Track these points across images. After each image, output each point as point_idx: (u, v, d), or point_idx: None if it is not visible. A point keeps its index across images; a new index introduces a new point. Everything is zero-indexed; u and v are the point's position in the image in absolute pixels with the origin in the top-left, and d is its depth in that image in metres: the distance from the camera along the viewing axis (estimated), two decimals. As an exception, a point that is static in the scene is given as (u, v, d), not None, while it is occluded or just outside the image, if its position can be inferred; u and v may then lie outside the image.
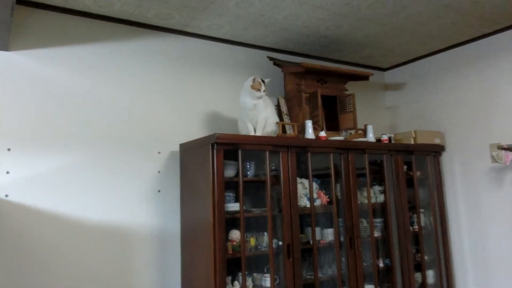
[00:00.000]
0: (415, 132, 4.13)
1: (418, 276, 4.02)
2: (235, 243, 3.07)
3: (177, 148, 3.46)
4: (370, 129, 3.83)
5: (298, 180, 3.43)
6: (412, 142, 4.10)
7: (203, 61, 3.72)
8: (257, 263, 3.33)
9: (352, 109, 3.82)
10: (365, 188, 3.74)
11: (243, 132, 3.37)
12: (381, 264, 3.81)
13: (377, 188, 3.94)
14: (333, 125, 3.92)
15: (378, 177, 4.01)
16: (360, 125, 3.98)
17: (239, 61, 3.93)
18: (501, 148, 3.74)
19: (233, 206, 3.12)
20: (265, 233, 3.21)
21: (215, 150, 2.95)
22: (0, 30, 2.59)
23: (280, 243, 3.21)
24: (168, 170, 3.42)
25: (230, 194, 3.22)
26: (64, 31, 3.14)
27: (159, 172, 3.37)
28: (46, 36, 3.07)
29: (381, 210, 3.95)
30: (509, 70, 3.86)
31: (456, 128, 4.26)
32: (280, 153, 3.24)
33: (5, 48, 2.88)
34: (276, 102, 3.77)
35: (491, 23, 3.77)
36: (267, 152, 3.17)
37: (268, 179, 3.16)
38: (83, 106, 3.13)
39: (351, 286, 3.48)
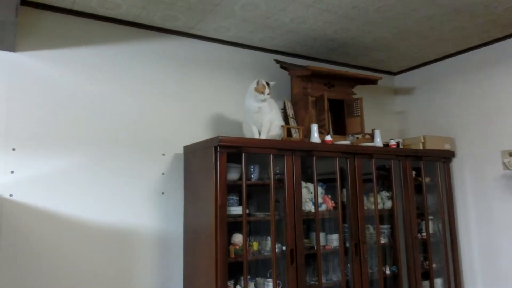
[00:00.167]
0: (424, 137, 4.07)
1: (426, 284, 3.94)
2: (237, 247, 3.04)
3: (181, 150, 3.46)
4: (377, 133, 3.78)
5: (303, 184, 3.40)
6: (421, 148, 4.04)
7: (209, 63, 3.72)
8: (260, 267, 3.30)
9: (359, 113, 3.78)
10: (372, 194, 3.69)
11: (248, 135, 3.35)
12: (387, 271, 3.75)
13: (384, 194, 3.88)
14: (340, 129, 3.88)
15: (386, 183, 3.95)
16: (368, 130, 3.93)
17: (246, 64, 3.91)
18: (513, 154, 3.67)
19: (236, 210, 3.10)
20: (269, 237, 3.18)
21: (218, 153, 2.93)
22: (5, 31, 2.61)
23: (284, 247, 3.18)
24: (172, 172, 3.41)
25: (233, 197, 3.19)
26: (70, 33, 3.15)
27: (163, 174, 3.37)
28: (52, 38, 3.09)
29: (388, 216, 3.88)
30: (521, 75, 3.79)
31: (467, 134, 4.18)
32: (285, 156, 3.21)
33: (12, 49, 2.90)
34: (283, 105, 3.74)
35: (503, 27, 3.70)
36: (271, 156, 3.15)
37: (272, 183, 3.14)
38: (88, 107, 3.14)
39: (355, 292, 3.43)
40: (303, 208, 3.31)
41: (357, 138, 3.82)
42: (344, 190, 3.58)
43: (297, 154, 3.26)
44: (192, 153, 3.29)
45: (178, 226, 3.37)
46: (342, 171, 3.54)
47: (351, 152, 3.54)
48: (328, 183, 3.59)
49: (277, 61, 3.84)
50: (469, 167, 4.15)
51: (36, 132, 2.94)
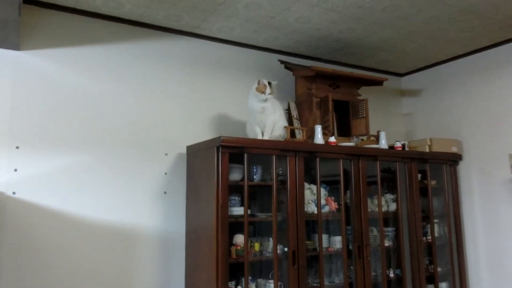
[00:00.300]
0: (430, 139, 4.02)
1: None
2: (239, 247, 3.03)
3: (184, 150, 3.45)
4: (383, 135, 3.74)
5: (307, 185, 3.38)
6: (427, 150, 3.99)
7: (213, 63, 3.70)
8: (262, 268, 3.29)
9: (364, 115, 3.74)
10: (377, 196, 3.65)
11: (251, 135, 3.34)
12: (391, 274, 3.71)
13: (389, 196, 3.84)
14: (345, 131, 3.85)
15: (391, 185, 3.91)
16: (374, 132, 3.89)
17: (250, 64, 3.89)
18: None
19: (238, 210, 3.08)
20: (270, 238, 3.15)
21: (220, 153, 2.92)
22: (9, 29, 2.62)
23: (286, 249, 3.16)
24: (175, 172, 3.40)
25: (235, 198, 3.17)
26: (74, 32, 3.16)
27: (165, 174, 3.36)
28: (56, 37, 3.09)
29: (393, 219, 3.84)
30: (530, 77, 3.73)
31: (475, 137, 4.12)
32: (288, 157, 3.19)
33: (16, 47, 2.91)
34: (287, 106, 3.72)
35: (512, 28, 3.65)
36: (274, 157, 3.13)
37: (274, 184, 3.11)
38: (91, 106, 3.14)
39: (358, 295, 3.40)
40: (306, 210, 3.29)
41: (362, 139, 3.79)
42: (348, 192, 3.55)
43: (300, 155, 3.23)
44: (194, 153, 3.29)
45: (180, 226, 3.36)
46: (346, 173, 3.51)
47: (355, 154, 3.51)
48: (332, 184, 3.56)
49: (282, 62, 3.82)
50: (476, 170, 4.09)
51: (39, 131, 2.95)
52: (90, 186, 3.07)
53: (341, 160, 3.45)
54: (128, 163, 3.22)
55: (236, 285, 3.11)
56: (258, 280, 3.20)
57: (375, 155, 3.60)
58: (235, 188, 3.13)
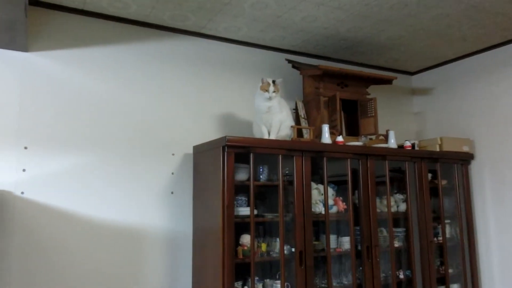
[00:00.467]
0: (441, 139, 3.96)
1: (441, 289, 3.85)
2: (245, 247, 3.02)
3: (191, 150, 3.45)
4: (391, 134, 3.69)
5: (314, 185, 3.35)
6: (438, 149, 3.93)
7: (220, 63, 3.70)
8: (269, 269, 3.27)
9: (373, 114, 3.70)
10: (386, 196, 3.61)
11: (257, 135, 3.32)
12: (401, 276, 3.66)
13: (398, 196, 3.80)
14: (353, 130, 3.81)
15: (400, 185, 3.87)
16: (384, 131, 3.85)
17: (257, 63, 3.88)
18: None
19: (245, 210, 3.07)
20: (277, 238, 3.14)
21: (226, 153, 2.91)
22: (16, 31, 2.64)
23: (293, 249, 3.13)
24: (182, 172, 3.40)
25: (242, 198, 3.17)
26: (81, 33, 3.18)
27: (172, 174, 3.37)
28: (63, 38, 3.12)
29: (403, 219, 3.80)
30: (543, 75, 3.66)
31: (487, 136, 4.06)
32: (294, 157, 3.16)
33: (24, 49, 2.94)
34: (294, 106, 3.70)
35: (524, 25, 3.58)
36: (280, 156, 3.11)
37: (281, 184, 3.10)
38: (98, 107, 3.16)
39: (366, 296, 3.36)
40: (313, 210, 3.26)
41: (371, 139, 3.75)
42: (356, 192, 3.51)
43: (307, 155, 3.21)
44: (200, 153, 3.28)
45: (187, 226, 3.36)
46: (355, 172, 3.48)
47: (363, 153, 3.47)
48: (340, 184, 3.53)
49: (289, 61, 3.80)
50: (488, 170, 4.02)
51: (47, 131, 2.97)
52: (97, 186, 3.08)
53: (348, 159, 3.42)
54: (135, 163, 3.23)
55: (243, 285, 3.10)
56: (265, 280, 3.19)
57: (383, 154, 3.55)
58: (241, 188, 3.12)
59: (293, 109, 3.68)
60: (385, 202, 3.62)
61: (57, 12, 3.11)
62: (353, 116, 3.84)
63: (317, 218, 3.30)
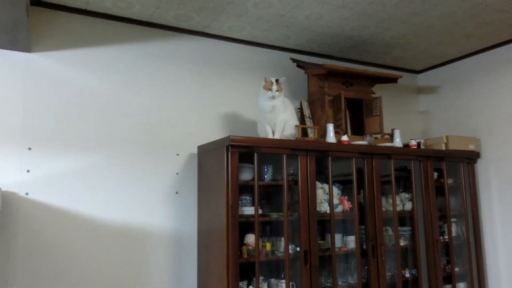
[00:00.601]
0: (446, 137, 3.93)
1: (448, 288, 3.83)
2: (250, 247, 3.01)
3: (195, 150, 3.45)
4: (397, 133, 3.67)
5: (319, 185, 3.34)
6: (443, 148, 3.91)
7: (224, 63, 3.69)
8: (274, 268, 3.27)
9: (378, 113, 3.68)
10: (391, 195, 3.59)
11: (262, 134, 3.31)
12: (407, 274, 3.64)
13: (404, 195, 3.77)
14: (359, 129, 3.79)
15: (407, 184, 3.84)
16: (389, 130, 3.83)
17: (262, 63, 3.87)
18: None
19: (249, 210, 3.07)
20: (282, 238, 3.13)
21: (230, 153, 2.91)
22: (19, 31, 2.65)
23: (298, 249, 3.13)
24: (186, 172, 3.40)
25: (246, 198, 3.16)
26: (84, 33, 3.18)
27: (177, 174, 3.36)
28: (67, 38, 3.12)
29: (409, 218, 3.78)
30: (550, 72, 3.62)
31: (493, 134, 4.02)
32: (299, 157, 3.15)
33: (27, 49, 2.95)
34: (299, 105, 3.68)
35: (531, 22, 3.55)
36: (284, 156, 3.10)
37: (285, 183, 3.09)
38: (102, 107, 3.16)
39: (372, 296, 3.35)
40: (319, 209, 3.25)
41: (376, 138, 3.73)
42: (362, 191, 3.50)
43: (311, 154, 3.20)
44: (205, 153, 3.28)
45: (192, 226, 3.36)
46: (360, 171, 3.46)
47: (368, 153, 3.45)
48: (345, 184, 3.51)
49: (293, 60, 3.78)
50: (494, 169, 3.99)
51: (51, 132, 2.98)
52: (101, 186, 3.09)
53: (353, 159, 3.40)
54: (140, 163, 3.23)
55: (248, 284, 3.10)
56: (270, 280, 3.18)
57: (388, 153, 3.53)
58: (246, 188, 3.12)
59: (298, 109, 3.66)
60: (391, 201, 3.60)
61: (60, 12, 3.11)
62: (358, 115, 3.82)
63: (322, 217, 3.29)
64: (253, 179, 3.05)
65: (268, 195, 3.40)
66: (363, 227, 3.44)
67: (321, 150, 3.24)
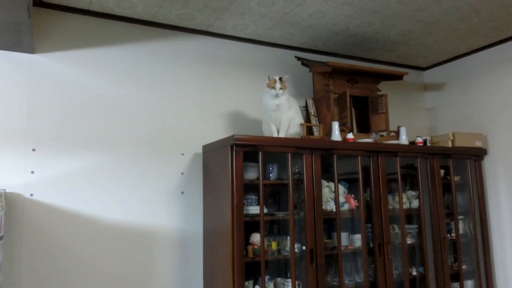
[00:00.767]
0: (453, 134, 3.90)
1: (455, 286, 3.79)
2: (256, 246, 3.00)
3: (200, 150, 3.44)
4: (403, 131, 3.65)
5: (325, 183, 3.32)
6: (450, 145, 3.87)
7: (229, 61, 3.68)
8: (280, 267, 3.25)
9: (384, 110, 3.66)
10: (398, 193, 3.56)
11: (266, 133, 3.30)
12: (414, 273, 3.62)
13: (411, 193, 3.75)
14: (364, 127, 3.77)
15: (413, 181, 3.82)
16: (395, 127, 3.80)
17: (267, 61, 3.85)
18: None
19: (255, 209, 3.06)
20: (288, 237, 3.11)
21: (234, 152, 2.89)
22: (21, 32, 2.64)
23: (304, 247, 3.11)
24: (192, 171, 3.39)
25: (252, 197, 3.15)
26: (87, 33, 3.18)
27: (182, 173, 3.35)
28: (70, 39, 3.12)
29: (416, 216, 3.75)
30: (558, 67, 3.58)
31: (500, 131, 3.99)
32: (304, 155, 3.13)
33: (31, 50, 2.95)
34: (304, 103, 3.66)
35: (538, 17, 3.50)
36: (289, 155, 3.08)
37: (290, 182, 3.07)
38: (106, 107, 3.16)
39: (379, 294, 3.33)
40: (325, 208, 3.23)
41: (382, 135, 3.70)
42: (368, 189, 3.47)
43: (316, 152, 3.18)
44: (210, 152, 3.27)
45: (198, 225, 3.35)
46: (366, 169, 3.44)
47: (374, 150, 3.43)
48: (351, 182, 3.49)
49: (298, 58, 3.76)
50: (501, 165, 3.95)
51: (55, 133, 2.98)
52: (106, 187, 3.08)
53: (359, 156, 3.38)
54: (144, 163, 3.23)
55: (254, 284, 3.09)
56: (276, 279, 3.17)
57: (394, 151, 3.51)
58: (251, 187, 3.11)
59: (303, 107, 3.65)
60: (397, 199, 3.58)
61: (63, 13, 3.11)
62: (364, 113, 3.80)
63: (329, 216, 3.27)
64: (258, 178, 3.03)
65: (274, 194, 3.39)
66: (369, 225, 3.42)
67: (326, 148, 3.22)
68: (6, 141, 2.84)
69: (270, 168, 3.19)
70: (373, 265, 3.39)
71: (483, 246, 3.94)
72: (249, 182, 3.04)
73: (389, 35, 3.77)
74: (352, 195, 3.44)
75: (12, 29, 2.57)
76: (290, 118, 3.24)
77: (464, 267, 3.85)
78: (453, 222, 3.86)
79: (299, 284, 3.07)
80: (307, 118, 3.60)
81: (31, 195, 2.86)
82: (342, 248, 3.25)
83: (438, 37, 3.86)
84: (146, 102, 3.30)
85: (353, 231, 3.47)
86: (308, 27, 3.55)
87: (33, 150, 2.90)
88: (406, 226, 3.63)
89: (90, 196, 3.03)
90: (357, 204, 3.41)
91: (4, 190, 2.69)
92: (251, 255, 2.97)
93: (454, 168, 3.88)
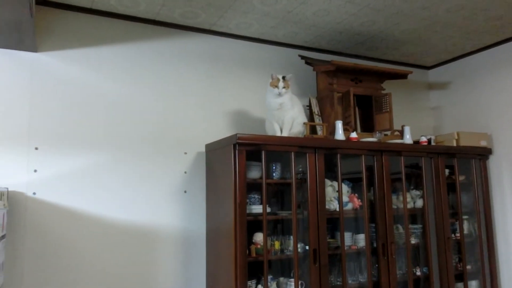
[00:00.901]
0: (458, 133, 3.87)
1: (460, 286, 3.76)
2: (259, 246, 2.99)
3: (203, 149, 3.43)
4: (407, 130, 3.62)
5: (329, 182, 3.31)
6: (455, 144, 3.85)
7: (232, 60, 3.67)
8: (283, 267, 3.24)
9: (388, 109, 3.63)
10: (402, 192, 3.54)
11: (269, 132, 3.29)
12: (418, 273, 3.60)
13: (415, 192, 3.72)
14: (368, 126, 3.75)
15: (417, 181, 3.79)
16: (399, 127, 3.78)
17: (270, 60, 3.84)
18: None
19: (258, 208, 3.05)
20: (291, 236, 3.10)
21: (237, 151, 2.88)
22: (24, 31, 2.64)
23: (307, 247, 3.10)
24: (195, 170, 3.38)
25: (255, 196, 3.14)
26: (90, 32, 3.17)
27: (185, 172, 3.35)
28: (72, 37, 3.11)
29: (420, 215, 3.73)
30: None
31: (505, 130, 3.95)
32: (307, 154, 3.12)
33: (33, 49, 2.94)
34: (308, 102, 3.65)
35: (543, 16, 3.47)
36: (293, 154, 3.07)
37: (294, 181, 3.06)
38: (109, 106, 3.15)
39: (383, 295, 3.31)
40: (328, 207, 3.22)
41: (386, 135, 3.68)
42: (372, 188, 3.45)
43: (320, 151, 3.16)
44: (213, 151, 3.26)
45: (201, 224, 3.35)
46: (370, 169, 3.42)
47: (378, 150, 3.41)
48: (355, 181, 3.48)
49: (302, 57, 3.75)
50: (507, 165, 3.92)
51: (58, 132, 2.98)
52: (109, 186, 3.08)
53: (363, 156, 3.36)
54: (148, 162, 3.22)
55: (257, 283, 3.07)
56: (279, 279, 3.16)
57: (399, 150, 3.49)
58: (254, 186, 3.09)
59: (307, 106, 3.63)
60: (401, 198, 3.56)
61: (66, 11, 3.11)
62: (368, 112, 3.78)
63: (332, 215, 3.26)
64: (261, 177, 3.02)
65: (277, 193, 3.38)
66: (373, 225, 3.40)
67: (330, 147, 3.20)
68: (8, 139, 2.84)
69: (273, 167, 3.18)
70: (376, 265, 3.37)
71: (487, 246, 3.91)
72: (252, 181, 3.03)
73: (393, 34, 3.75)
74: (356, 195, 3.42)
75: (14, 27, 2.57)
76: (293, 117, 3.22)
77: (468, 267, 3.83)
78: (457, 222, 3.83)
79: (302, 284, 3.06)
80: (310, 117, 3.58)
81: (34, 193, 2.86)
82: (345, 248, 3.23)
83: (442, 36, 3.84)
84: (149, 101, 3.29)
85: (356, 231, 3.46)
86: (311, 26, 3.53)
87: (36, 148, 2.90)
88: (410, 226, 3.61)
89: (93, 195, 3.02)
90: (360, 203, 3.40)
91: (7, 188, 2.68)
92: (254, 254, 2.96)
93: (459, 168, 3.85)
